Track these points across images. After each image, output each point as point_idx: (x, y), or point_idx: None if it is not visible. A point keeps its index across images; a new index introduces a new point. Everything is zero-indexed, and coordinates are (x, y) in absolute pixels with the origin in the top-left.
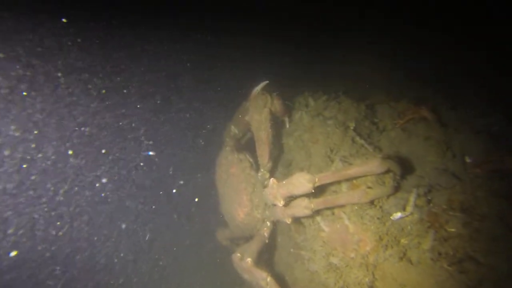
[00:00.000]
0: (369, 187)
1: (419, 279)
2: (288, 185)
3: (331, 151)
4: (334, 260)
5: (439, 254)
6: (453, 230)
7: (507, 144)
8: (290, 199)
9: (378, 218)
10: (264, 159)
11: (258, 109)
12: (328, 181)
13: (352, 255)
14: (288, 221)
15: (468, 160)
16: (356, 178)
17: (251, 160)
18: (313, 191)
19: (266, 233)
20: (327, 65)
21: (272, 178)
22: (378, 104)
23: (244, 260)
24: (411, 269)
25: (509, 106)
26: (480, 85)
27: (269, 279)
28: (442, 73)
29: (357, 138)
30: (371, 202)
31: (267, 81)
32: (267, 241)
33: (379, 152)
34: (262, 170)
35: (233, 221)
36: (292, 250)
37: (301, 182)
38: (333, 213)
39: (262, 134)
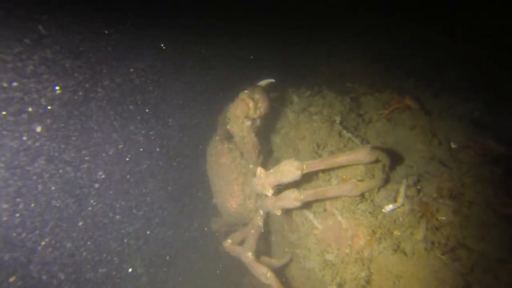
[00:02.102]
0: (359, 180)
1: (414, 270)
2: (276, 173)
3: (318, 146)
4: (329, 257)
5: (432, 243)
6: (443, 218)
7: (488, 129)
8: (279, 188)
9: (370, 212)
10: (253, 159)
11: (238, 123)
12: (316, 168)
13: (347, 250)
14: (278, 212)
15: (453, 146)
16: (344, 166)
17: (240, 147)
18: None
19: (260, 222)
20: (308, 60)
21: (259, 168)
22: (362, 96)
23: (245, 255)
24: (406, 261)
25: (491, 88)
26: (459, 71)
27: (269, 274)
28: (422, 61)
29: (344, 132)
30: (362, 196)
31: (272, 80)
32: (262, 230)
33: (367, 144)
34: (252, 166)
35: (226, 211)
36: (286, 249)
37: (289, 169)
38: (325, 210)
39: (247, 146)
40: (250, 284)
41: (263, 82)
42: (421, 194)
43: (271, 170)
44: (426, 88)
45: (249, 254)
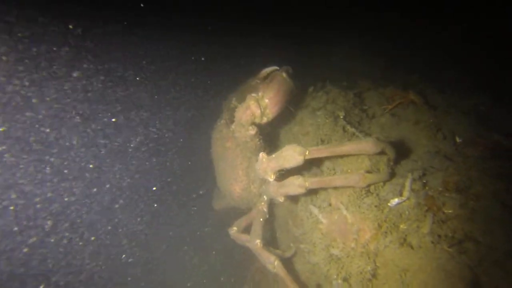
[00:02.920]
0: (367, 172)
1: (421, 263)
2: (278, 158)
3: (322, 142)
4: (335, 251)
5: (439, 236)
6: (450, 211)
7: (493, 123)
8: (281, 174)
9: (375, 206)
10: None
11: (242, 129)
12: (319, 155)
13: (353, 245)
14: (281, 199)
15: (458, 140)
16: (348, 155)
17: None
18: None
19: (265, 208)
20: (310, 58)
21: (261, 152)
22: (366, 91)
23: (254, 243)
24: (412, 254)
25: (492, 86)
26: (459, 71)
27: (276, 262)
28: (422, 61)
29: (348, 127)
30: (367, 190)
31: (276, 67)
32: (267, 216)
33: None
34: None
35: (230, 195)
36: (291, 244)
37: (292, 154)
38: (330, 204)
39: (250, 148)
40: (257, 270)
41: (268, 69)
42: (426, 187)
43: (273, 155)
44: (430, 83)
45: (258, 241)
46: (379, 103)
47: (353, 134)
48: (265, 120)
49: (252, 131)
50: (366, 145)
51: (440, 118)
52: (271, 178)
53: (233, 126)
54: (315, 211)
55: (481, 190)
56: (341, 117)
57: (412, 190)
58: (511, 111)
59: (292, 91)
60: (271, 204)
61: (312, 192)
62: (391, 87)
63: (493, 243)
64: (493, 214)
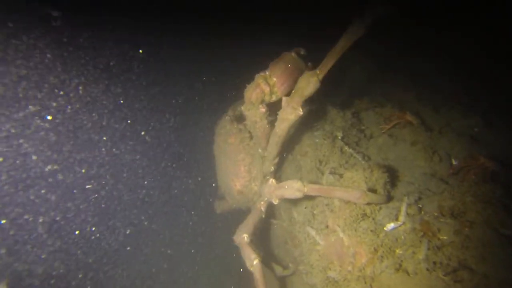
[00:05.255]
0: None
1: None
2: (282, 189)
3: (320, 163)
4: (332, 274)
5: (434, 263)
6: (445, 238)
7: (487, 145)
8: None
9: (371, 230)
10: (262, 145)
11: (252, 108)
12: (315, 194)
13: (349, 268)
14: (275, 201)
15: (454, 162)
16: (338, 199)
17: (251, 131)
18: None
19: (263, 207)
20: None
21: (272, 179)
22: (363, 111)
23: (240, 236)
24: (408, 280)
25: (485, 106)
26: (458, 85)
27: (255, 262)
28: (421, 75)
29: (346, 148)
30: (364, 213)
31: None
32: (263, 216)
33: (368, 160)
34: (260, 150)
35: (229, 192)
36: (290, 264)
37: (292, 190)
38: (327, 227)
39: (258, 132)
40: None
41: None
42: (422, 212)
43: (279, 184)
44: (426, 101)
45: (245, 235)
46: (376, 123)
47: (351, 155)
48: (274, 98)
49: (263, 108)
50: (352, 196)
51: (436, 140)
52: (275, 202)
53: (242, 108)
54: (313, 232)
55: (475, 216)
56: (339, 137)
57: (407, 214)
58: (503, 132)
59: (301, 70)
60: (270, 204)
61: (309, 215)
62: (389, 107)
63: (487, 271)
64: (487, 241)
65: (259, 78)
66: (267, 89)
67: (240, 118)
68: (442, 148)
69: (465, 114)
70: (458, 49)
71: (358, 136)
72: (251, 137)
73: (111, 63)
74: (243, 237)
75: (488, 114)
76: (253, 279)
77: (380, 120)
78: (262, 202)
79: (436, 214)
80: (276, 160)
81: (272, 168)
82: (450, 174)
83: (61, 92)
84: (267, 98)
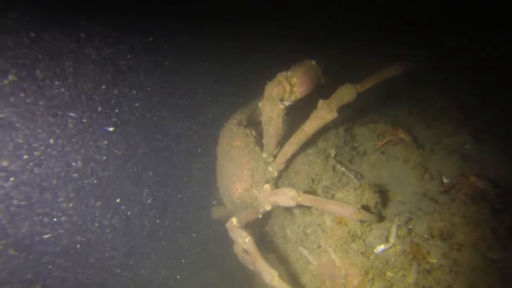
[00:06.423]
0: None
1: None
2: (276, 195)
3: (313, 181)
4: None
5: None
6: (434, 261)
7: (477, 164)
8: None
9: (362, 253)
10: (269, 147)
11: (271, 103)
12: (309, 204)
13: None
14: (268, 207)
15: (445, 181)
16: (330, 218)
17: (257, 137)
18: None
19: (261, 209)
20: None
21: (267, 184)
22: (356, 126)
23: (231, 220)
24: None
25: (476, 122)
26: (450, 99)
27: (248, 239)
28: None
29: (338, 166)
30: (354, 234)
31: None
32: (260, 216)
33: (361, 178)
34: (265, 155)
35: (229, 196)
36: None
37: (286, 197)
38: (319, 246)
39: (271, 130)
40: None
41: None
42: (412, 234)
43: (274, 191)
44: (418, 116)
45: (234, 219)
46: (369, 139)
47: (343, 173)
48: (292, 97)
49: (281, 105)
50: (346, 211)
51: (428, 157)
52: (268, 208)
53: (260, 104)
54: (305, 252)
55: (464, 239)
56: (332, 155)
57: (398, 236)
58: (493, 149)
59: (319, 78)
60: (270, 212)
61: (302, 234)
62: (382, 123)
63: None
64: (474, 266)
65: (281, 76)
66: (288, 87)
67: (247, 124)
68: (433, 166)
69: (457, 131)
70: (452, 61)
71: (351, 154)
72: (256, 143)
73: None
74: (231, 221)
75: (479, 131)
76: (249, 256)
77: (373, 136)
78: (261, 207)
79: (425, 236)
80: (283, 166)
81: (276, 174)
82: (441, 193)
83: None
84: (286, 96)
